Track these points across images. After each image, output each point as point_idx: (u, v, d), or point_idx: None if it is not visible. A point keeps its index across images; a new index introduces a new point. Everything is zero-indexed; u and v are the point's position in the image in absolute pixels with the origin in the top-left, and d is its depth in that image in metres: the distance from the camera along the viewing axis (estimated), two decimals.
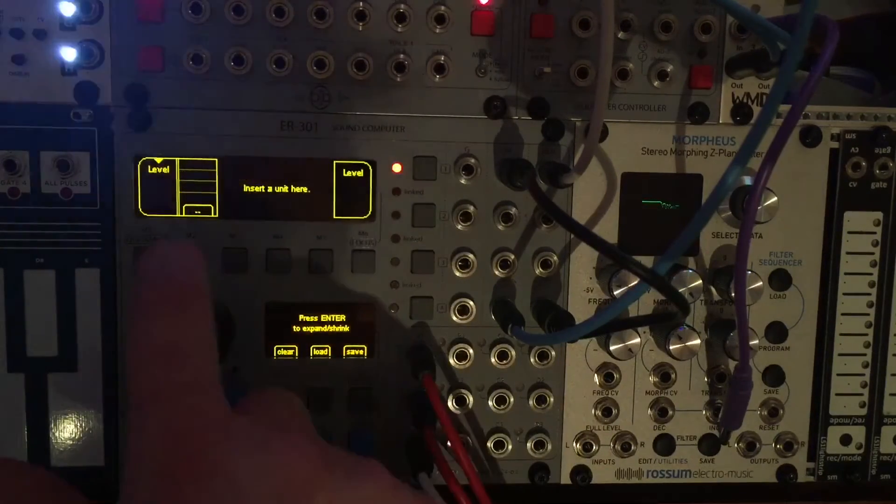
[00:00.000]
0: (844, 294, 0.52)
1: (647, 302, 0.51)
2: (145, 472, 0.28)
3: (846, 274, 0.52)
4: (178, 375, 0.29)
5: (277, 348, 0.48)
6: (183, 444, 0.28)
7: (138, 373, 0.29)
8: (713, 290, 0.51)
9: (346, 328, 0.49)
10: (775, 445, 0.52)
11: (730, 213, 0.50)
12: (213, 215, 0.47)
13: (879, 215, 0.51)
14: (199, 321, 0.31)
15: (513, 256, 0.49)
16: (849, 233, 0.51)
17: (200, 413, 0.28)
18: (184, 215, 0.47)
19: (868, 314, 0.52)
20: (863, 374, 0.53)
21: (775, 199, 0.48)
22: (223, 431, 0.28)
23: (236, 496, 0.27)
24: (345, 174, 0.48)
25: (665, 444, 0.52)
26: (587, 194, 0.50)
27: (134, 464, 0.28)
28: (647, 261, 0.48)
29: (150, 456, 0.28)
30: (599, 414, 0.51)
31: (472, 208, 0.48)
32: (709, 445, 0.52)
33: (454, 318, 0.49)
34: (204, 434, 0.28)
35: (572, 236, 0.50)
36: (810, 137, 0.50)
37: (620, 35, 0.47)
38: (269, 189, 0.47)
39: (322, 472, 0.29)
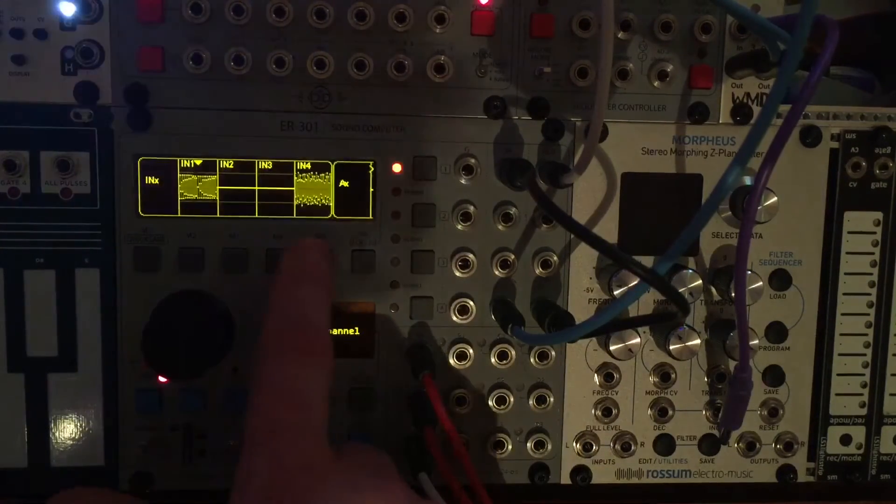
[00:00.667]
0: (844, 294, 0.52)
1: (647, 302, 0.51)
2: (254, 497, 0.31)
3: (846, 274, 0.52)
4: (296, 418, 0.33)
5: None
6: (288, 480, 0.31)
7: (261, 407, 0.33)
8: (713, 290, 0.51)
9: (346, 328, 0.49)
10: (775, 445, 0.52)
11: (730, 213, 0.50)
12: (213, 215, 0.47)
13: (879, 215, 0.51)
14: (323, 370, 0.35)
15: (513, 256, 0.49)
16: (849, 233, 0.51)
17: (308, 455, 0.32)
18: (184, 215, 0.47)
19: (868, 314, 0.52)
20: (863, 374, 0.53)
21: (775, 199, 0.48)
22: (324, 474, 0.31)
23: None
24: (345, 174, 0.48)
25: (665, 444, 0.52)
26: (587, 194, 0.50)
27: (240, 488, 0.31)
28: (647, 261, 0.48)
29: (257, 486, 0.31)
30: (599, 414, 0.51)
31: (472, 208, 0.48)
32: (709, 445, 0.52)
33: (454, 318, 0.49)
34: (308, 474, 0.31)
35: (572, 236, 0.50)
36: (810, 137, 0.50)
37: (620, 35, 0.47)
38: (269, 189, 0.47)
39: None
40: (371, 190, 0.48)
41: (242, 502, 0.31)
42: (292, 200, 0.48)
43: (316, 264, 0.40)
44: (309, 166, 0.48)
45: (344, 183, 0.48)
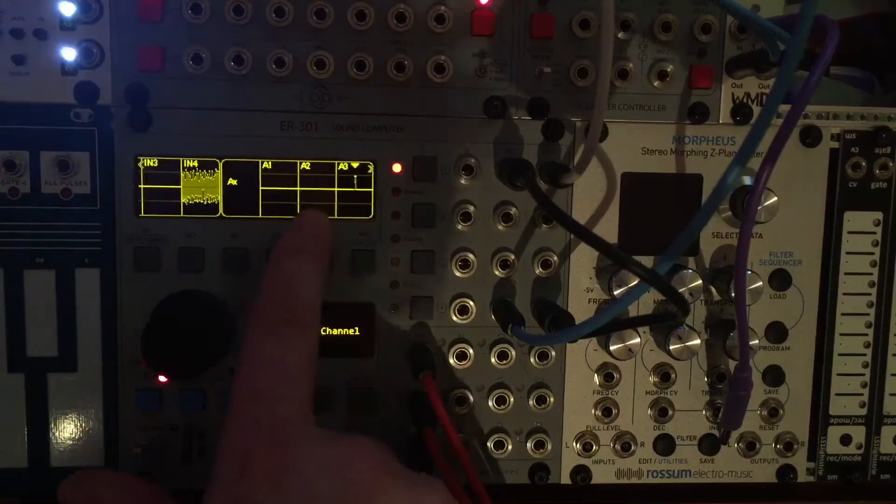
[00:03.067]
0: (844, 294, 0.52)
1: (647, 302, 0.51)
2: (227, 460, 0.33)
3: (846, 274, 0.52)
4: (274, 386, 0.34)
5: None
6: (260, 441, 0.33)
7: (241, 377, 0.35)
8: (713, 290, 0.51)
9: (346, 328, 0.49)
10: (775, 445, 0.52)
11: (730, 213, 0.50)
12: (213, 215, 0.47)
13: (879, 215, 0.51)
14: (307, 342, 0.37)
15: (513, 256, 0.49)
16: (849, 233, 0.51)
17: (284, 418, 0.33)
18: (184, 215, 0.47)
19: (868, 314, 0.52)
20: (863, 374, 0.53)
21: (775, 199, 0.48)
22: (300, 434, 0.33)
23: (302, 489, 0.32)
24: (345, 174, 0.48)
25: (665, 444, 0.52)
26: (587, 194, 0.50)
27: (220, 450, 0.33)
28: (647, 261, 0.48)
29: (234, 446, 0.33)
30: (599, 414, 0.51)
31: (472, 208, 0.48)
32: (709, 445, 0.52)
33: (454, 318, 0.49)
34: (283, 435, 0.33)
35: (572, 236, 0.50)
36: (810, 137, 0.50)
37: (620, 35, 0.47)
38: (270, 189, 0.47)
39: (385, 477, 0.33)
40: (371, 190, 0.48)
41: (219, 467, 0.33)
42: (292, 200, 0.48)
43: (312, 237, 0.41)
44: (309, 166, 0.48)
45: (344, 183, 0.48)
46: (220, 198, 0.47)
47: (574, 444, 0.51)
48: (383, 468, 0.34)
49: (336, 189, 0.48)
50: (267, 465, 0.32)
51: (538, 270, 0.49)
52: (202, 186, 0.47)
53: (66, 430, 0.48)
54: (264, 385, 0.35)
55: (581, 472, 0.51)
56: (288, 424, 0.33)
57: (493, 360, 0.50)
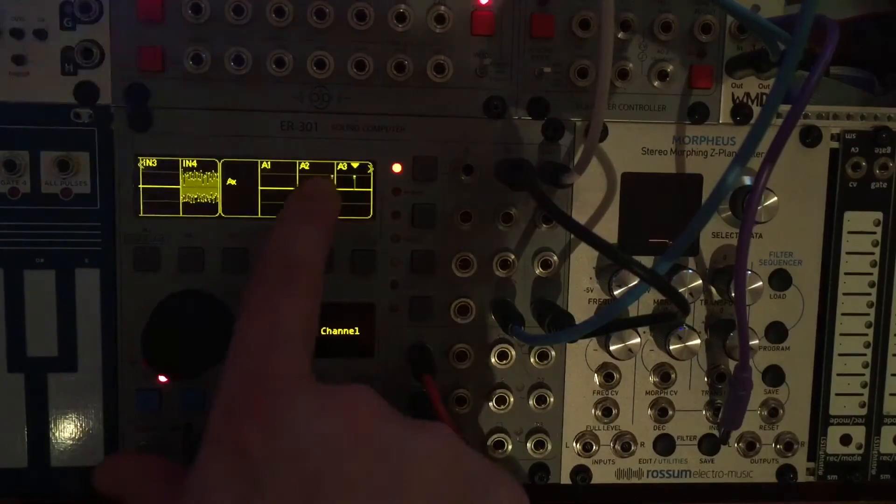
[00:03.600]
0: (844, 294, 0.52)
1: (647, 302, 0.51)
2: (217, 408, 0.33)
3: (846, 274, 0.52)
4: (270, 339, 0.34)
5: None
6: (253, 389, 0.32)
7: (238, 330, 0.35)
8: (713, 290, 0.51)
9: (346, 328, 0.49)
10: (775, 445, 0.52)
11: (730, 213, 0.50)
12: (213, 215, 0.47)
13: (879, 215, 0.51)
14: (306, 304, 0.36)
15: (513, 256, 0.49)
16: (849, 233, 0.51)
17: (278, 370, 0.33)
18: (184, 215, 0.47)
19: (868, 314, 0.52)
20: (863, 374, 0.53)
21: (775, 199, 0.48)
22: (293, 383, 0.33)
23: (295, 433, 0.31)
24: (345, 174, 0.48)
25: (665, 444, 0.52)
26: (587, 194, 0.50)
27: (215, 399, 0.33)
28: (647, 261, 0.48)
29: (224, 394, 0.33)
30: (599, 414, 0.51)
31: (472, 208, 0.48)
32: (709, 445, 0.52)
33: (454, 318, 0.49)
34: (276, 385, 0.32)
35: (572, 236, 0.50)
36: (810, 137, 0.50)
37: (620, 35, 0.47)
38: (269, 189, 0.47)
39: (383, 421, 0.33)
40: (371, 190, 0.48)
41: (212, 416, 0.33)
42: None
43: (319, 203, 0.42)
44: (308, 166, 0.48)
45: (344, 183, 0.48)
46: (219, 198, 0.47)
47: (574, 444, 0.51)
48: (381, 413, 0.33)
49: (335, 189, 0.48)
50: (257, 410, 0.32)
51: (538, 270, 0.49)
52: (202, 186, 0.47)
53: (66, 430, 0.48)
54: (257, 336, 0.34)
55: (581, 472, 0.51)
56: (281, 375, 0.33)
57: (493, 360, 0.50)
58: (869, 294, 0.52)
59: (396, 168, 0.48)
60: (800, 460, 0.53)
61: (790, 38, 0.37)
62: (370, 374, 0.49)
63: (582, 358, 0.51)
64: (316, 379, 0.34)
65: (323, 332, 0.48)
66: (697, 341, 0.49)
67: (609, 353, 0.49)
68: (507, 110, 0.48)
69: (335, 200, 0.43)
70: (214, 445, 0.32)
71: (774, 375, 0.51)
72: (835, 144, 0.51)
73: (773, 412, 0.52)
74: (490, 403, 0.50)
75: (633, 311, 0.50)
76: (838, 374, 0.53)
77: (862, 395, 0.53)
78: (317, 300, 0.37)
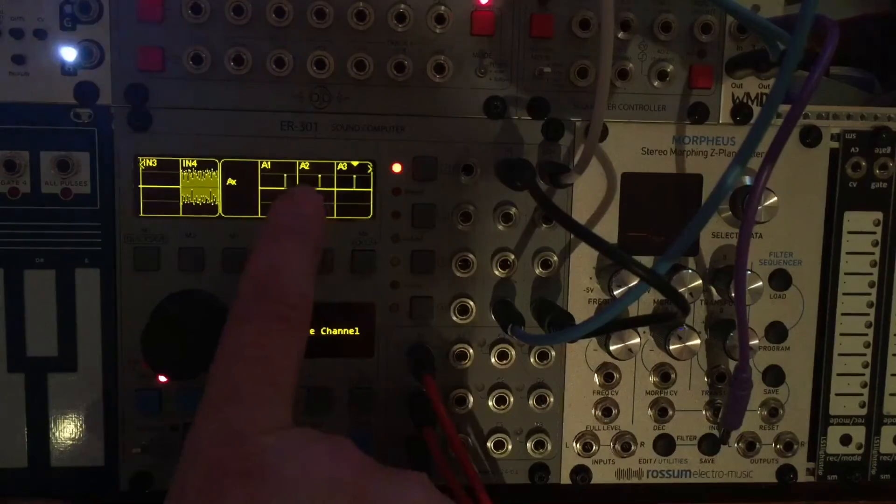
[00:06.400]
0: (844, 294, 0.52)
1: (647, 302, 0.51)
2: (198, 466, 0.30)
3: (846, 274, 0.52)
4: (254, 387, 0.32)
5: None
6: (236, 450, 0.30)
7: (218, 373, 0.32)
8: (713, 290, 0.51)
9: (346, 328, 0.49)
10: (775, 445, 0.52)
11: (730, 213, 0.50)
12: (213, 215, 0.47)
13: (879, 215, 0.51)
14: (292, 336, 0.34)
15: (513, 256, 0.49)
16: (849, 233, 0.51)
17: (263, 423, 0.31)
18: (184, 215, 0.47)
19: (868, 314, 0.52)
20: (863, 374, 0.53)
21: (775, 199, 0.48)
22: (278, 438, 0.31)
23: (280, 493, 0.29)
24: (345, 174, 0.48)
25: (665, 444, 0.52)
26: (587, 194, 0.50)
27: (190, 451, 0.31)
28: (647, 261, 0.48)
29: (205, 453, 0.30)
30: (599, 414, 0.51)
31: (472, 208, 0.48)
32: (709, 445, 0.52)
33: (454, 318, 0.49)
34: (259, 437, 0.30)
35: (572, 236, 0.50)
36: (810, 137, 0.50)
37: (620, 35, 0.47)
38: (269, 189, 0.47)
39: (366, 476, 0.31)
40: (371, 190, 0.48)
41: (188, 473, 0.30)
42: None
43: (304, 218, 0.37)
44: (308, 166, 0.48)
45: (344, 183, 0.48)
46: (219, 198, 0.47)
47: (574, 444, 0.51)
48: (363, 465, 0.32)
49: (335, 189, 0.48)
50: (242, 470, 0.30)
51: (538, 270, 0.49)
52: (202, 186, 0.47)
53: (66, 430, 0.48)
54: (243, 385, 0.32)
55: (581, 472, 0.51)
56: (266, 428, 0.31)
57: (493, 360, 0.50)
58: (869, 294, 0.52)
59: (396, 168, 0.48)
60: (800, 460, 0.53)
61: (790, 38, 0.37)
62: (370, 374, 0.49)
63: (582, 358, 0.51)
64: (294, 427, 0.33)
65: (323, 332, 0.49)
66: (697, 341, 0.49)
67: (609, 353, 0.49)
68: (507, 110, 0.48)
69: (320, 212, 0.38)
70: None
71: (774, 375, 0.51)
72: (835, 144, 0.51)
73: (773, 412, 0.52)
74: (490, 403, 0.50)
75: (633, 311, 0.50)
76: (838, 374, 0.52)
77: (862, 395, 0.53)
78: (305, 335, 0.35)
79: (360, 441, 0.49)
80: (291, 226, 0.37)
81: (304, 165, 0.47)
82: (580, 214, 0.49)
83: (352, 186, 0.48)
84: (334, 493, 0.30)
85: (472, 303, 0.49)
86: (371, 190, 0.48)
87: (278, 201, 0.38)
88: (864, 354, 0.53)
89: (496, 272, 0.49)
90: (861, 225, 0.51)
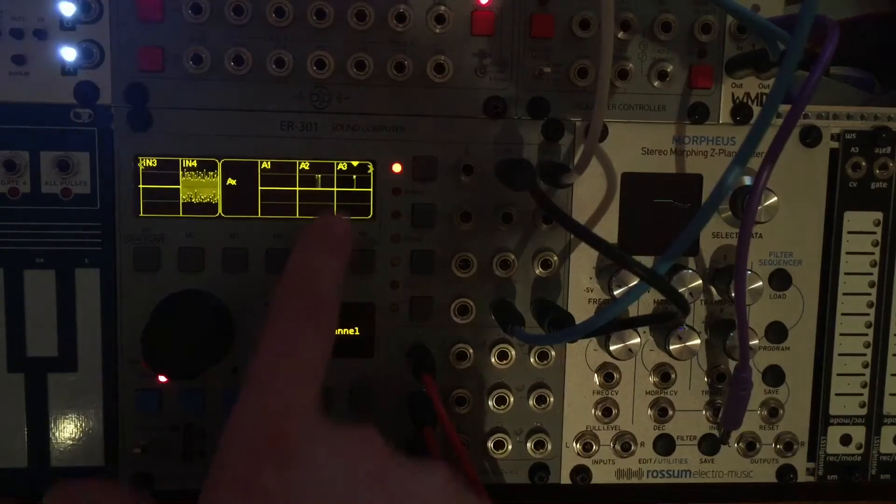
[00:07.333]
0: (844, 294, 0.52)
1: (647, 302, 0.51)
2: (235, 445, 0.33)
3: (846, 274, 0.52)
4: (289, 376, 0.35)
5: None
6: (271, 428, 0.33)
7: (257, 363, 0.35)
8: (713, 290, 0.51)
9: (346, 329, 0.49)
10: (775, 445, 0.52)
11: (730, 213, 0.50)
12: (213, 215, 0.47)
13: (879, 215, 0.51)
14: (324, 339, 0.37)
15: (513, 256, 0.49)
16: (849, 233, 0.51)
17: (295, 409, 0.34)
18: (184, 215, 0.47)
19: (868, 314, 0.52)
20: (863, 374, 0.53)
21: (775, 199, 0.48)
22: (310, 423, 0.34)
23: (310, 474, 0.32)
24: (345, 174, 0.48)
25: (665, 444, 0.52)
26: (587, 194, 0.50)
27: (227, 435, 0.33)
28: (647, 261, 0.48)
29: (242, 431, 0.33)
30: (599, 414, 0.51)
31: (472, 208, 0.48)
32: (709, 445, 0.52)
33: (454, 318, 0.49)
34: (292, 424, 0.33)
35: (572, 236, 0.50)
36: (810, 137, 0.50)
37: (620, 35, 0.47)
38: (269, 189, 0.47)
39: (391, 461, 0.34)
40: (371, 190, 0.48)
41: (225, 453, 0.33)
42: (292, 200, 0.48)
43: (336, 235, 0.41)
44: (308, 166, 0.48)
45: (344, 183, 0.48)
46: (219, 198, 0.47)
47: (574, 444, 0.51)
48: (388, 454, 0.35)
49: (335, 189, 0.48)
50: (275, 452, 0.32)
51: (538, 270, 0.49)
52: (202, 186, 0.47)
53: (66, 430, 0.48)
54: (277, 374, 0.35)
55: (581, 472, 0.51)
56: (298, 414, 0.34)
57: (493, 360, 0.50)
58: (869, 294, 0.52)
59: (396, 168, 0.48)
60: (800, 460, 0.53)
61: (790, 38, 0.37)
62: (370, 374, 0.49)
63: (582, 358, 0.51)
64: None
65: None
66: (697, 341, 0.49)
67: (609, 353, 0.49)
68: (507, 110, 0.48)
69: (349, 235, 0.42)
70: (233, 485, 0.32)
71: (774, 375, 0.51)
72: (835, 144, 0.51)
73: (773, 412, 0.52)
74: (490, 403, 0.50)
75: (633, 311, 0.50)
76: (838, 374, 0.53)
77: (862, 395, 0.53)
78: (332, 337, 0.38)
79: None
80: (327, 239, 0.40)
81: (304, 165, 0.48)
82: (580, 214, 0.49)
83: (352, 186, 0.48)
84: (359, 476, 0.33)
85: (472, 303, 0.49)
86: (371, 190, 0.48)
87: (316, 221, 0.41)
88: (864, 354, 0.53)
89: (496, 272, 0.49)
90: (861, 225, 0.51)
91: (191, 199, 0.47)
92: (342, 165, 0.48)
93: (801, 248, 0.51)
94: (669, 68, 0.48)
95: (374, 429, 0.35)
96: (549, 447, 0.51)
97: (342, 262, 0.40)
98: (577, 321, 0.47)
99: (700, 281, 0.49)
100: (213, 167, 0.47)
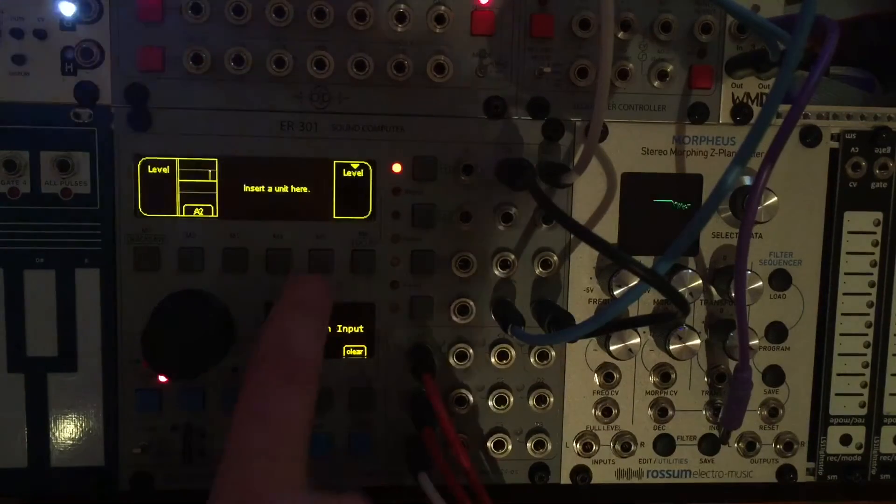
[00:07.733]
0: (844, 294, 0.52)
1: (647, 302, 0.51)
2: None
3: (846, 274, 0.52)
4: (270, 445, 0.34)
5: None
6: (253, 501, 0.32)
7: (236, 433, 0.34)
8: (713, 290, 0.51)
9: (346, 328, 0.49)
10: (775, 445, 0.52)
11: (730, 213, 0.50)
12: (213, 215, 0.47)
13: (879, 215, 0.51)
14: (304, 399, 0.36)
15: (513, 256, 0.49)
16: (849, 233, 0.51)
17: (279, 481, 0.33)
18: (184, 215, 0.47)
19: (868, 314, 0.52)
20: (863, 374, 0.53)
21: (775, 199, 0.48)
22: (292, 498, 0.33)
23: None
24: (345, 174, 0.48)
25: (665, 444, 0.52)
26: (587, 194, 0.50)
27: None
28: (647, 261, 0.48)
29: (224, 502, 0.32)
30: (599, 414, 0.51)
31: (472, 208, 0.48)
32: (709, 445, 0.52)
33: (454, 318, 0.49)
34: (274, 497, 0.32)
35: (572, 236, 0.50)
36: (810, 137, 0.50)
37: (620, 35, 0.47)
38: (269, 189, 0.47)
39: None
40: (371, 190, 0.48)
41: None
42: (292, 201, 0.48)
43: (313, 295, 0.40)
44: (309, 166, 0.47)
45: (344, 183, 0.48)
46: (219, 198, 0.47)
47: (574, 444, 0.51)
48: None
49: (335, 189, 0.48)
50: None
51: (538, 270, 0.49)
52: (202, 186, 0.47)
53: (66, 430, 0.48)
54: (258, 444, 0.34)
55: (581, 472, 0.51)
56: (280, 486, 0.33)
57: (493, 360, 0.50)
58: (869, 294, 0.52)
59: (396, 168, 0.48)
60: (800, 460, 0.53)
61: (790, 38, 0.37)
62: (370, 374, 0.49)
63: (582, 358, 0.51)
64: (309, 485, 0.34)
65: None
66: (697, 341, 0.49)
67: (609, 353, 0.49)
68: (507, 110, 0.48)
69: (329, 296, 0.41)
70: None
71: (774, 375, 0.52)
72: (835, 144, 0.51)
73: (773, 412, 0.52)
74: (490, 403, 0.50)
75: (633, 311, 0.50)
76: (838, 374, 0.53)
77: (862, 395, 0.53)
78: (315, 398, 0.37)
79: (360, 441, 0.49)
80: (301, 300, 0.40)
81: (304, 165, 0.47)
82: (580, 214, 0.49)
83: (352, 186, 0.48)
84: None
85: (472, 303, 0.49)
86: (371, 190, 0.48)
87: (290, 281, 0.41)
88: (864, 354, 0.53)
89: (496, 272, 0.49)
90: (861, 225, 0.51)
91: (191, 199, 0.47)
92: (342, 165, 0.48)
93: (801, 248, 0.51)
94: (669, 68, 0.48)
95: (359, 497, 0.34)
96: (549, 447, 0.51)
97: (320, 321, 0.40)
98: (577, 321, 0.47)
99: (700, 281, 0.49)
100: (213, 167, 0.47)
